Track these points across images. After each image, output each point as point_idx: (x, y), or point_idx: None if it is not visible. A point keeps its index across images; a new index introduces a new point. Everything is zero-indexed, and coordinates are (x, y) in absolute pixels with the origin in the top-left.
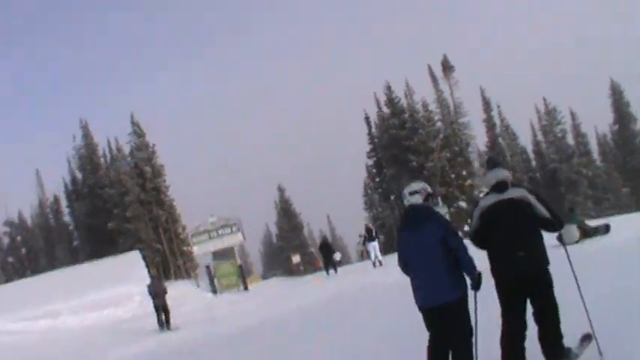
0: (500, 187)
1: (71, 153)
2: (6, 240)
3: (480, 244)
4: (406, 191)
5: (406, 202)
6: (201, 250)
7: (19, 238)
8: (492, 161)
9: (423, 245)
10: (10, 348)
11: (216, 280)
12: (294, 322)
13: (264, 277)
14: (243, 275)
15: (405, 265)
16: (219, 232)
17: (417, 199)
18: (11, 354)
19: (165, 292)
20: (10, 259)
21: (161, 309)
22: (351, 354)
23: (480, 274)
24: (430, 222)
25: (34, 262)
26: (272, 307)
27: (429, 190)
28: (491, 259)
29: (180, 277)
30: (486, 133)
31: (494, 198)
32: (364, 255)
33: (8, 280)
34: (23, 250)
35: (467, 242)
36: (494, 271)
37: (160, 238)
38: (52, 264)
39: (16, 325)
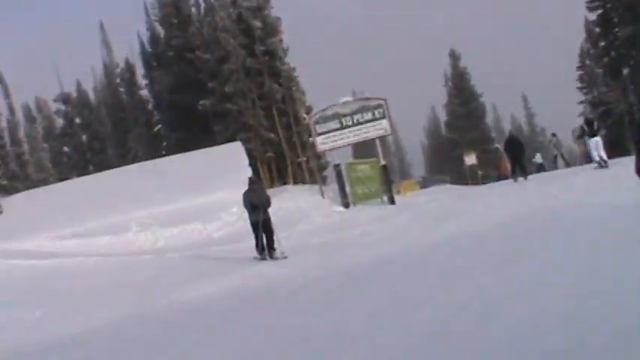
0: None
1: (150, 1)
2: (60, 122)
3: None
4: None
5: None
6: (327, 144)
7: (77, 119)
8: None
9: None
10: (50, 274)
11: (348, 187)
12: (442, 259)
13: (425, 183)
14: (388, 181)
15: None
16: (356, 117)
17: None
18: (49, 285)
19: (268, 203)
20: (66, 149)
21: (261, 228)
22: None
23: None
24: None
25: (98, 154)
26: (421, 233)
27: None
28: None
29: (300, 181)
30: None
31: None
32: (559, 159)
33: (62, 178)
34: (84, 137)
35: None
36: None
37: (273, 124)
38: (123, 157)
39: (64, 242)
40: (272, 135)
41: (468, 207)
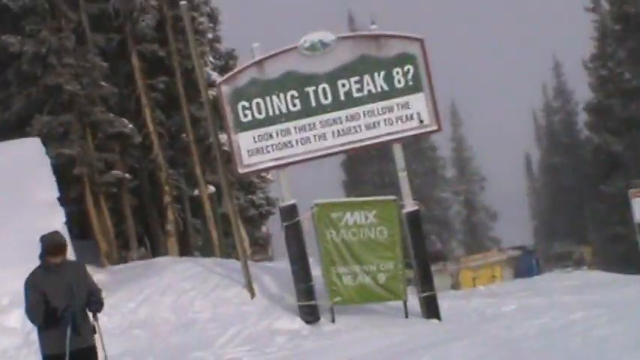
0: None
1: None
2: None
3: None
4: None
5: None
6: (267, 153)
7: None
8: None
9: None
10: None
11: (319, 267)
12: None
13: (526, 263)
14: (423, 255)
15: None
16: (344, 85)
17: None
18: None
19: (97, 305)
20: None
21: None
22: None
23: None
24: None
25: None
26: None
27: None
28: None
29: (196, 248)
30: None
31: None
32: None
33: None
34: None
35: None
36: None
37: (130, 97)
38: None
39: None
40: (126, 124)
41: None
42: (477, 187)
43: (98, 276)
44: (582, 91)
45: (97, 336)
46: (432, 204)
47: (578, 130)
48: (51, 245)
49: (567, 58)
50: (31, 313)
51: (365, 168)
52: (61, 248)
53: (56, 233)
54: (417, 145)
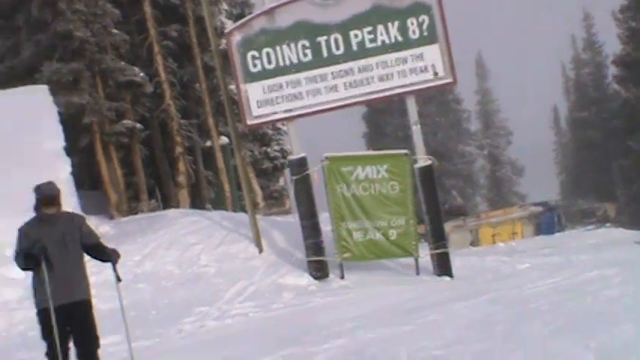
0: None
1: None
2: None
3: None
4: None
5: None
6: (277, 104)
7: None
8: None
9: None
10: None
11: (330, 223)
12: None
13: (548, 219)
14: (436, 210)
15: None
16: (357, 36)
17: None
18: None
19: (96, 248)
20: None
21: (63, 325)
22: None
23: None
24: None
25: None
26: None
27: None
28: None
29: (209, 200)
30: None
31: None
32: None
33: None
34: None
35: None
36: None
37: (139, 45)
38: None
39: None
40: (138, 73)
41: None
42: (502, 141)
43: (104, 227)
44: (612, 44)
45: (116, 286)
46: (456, 158)
47: (607, 83)
48: (44, 196)
49: (598, 9)
50: (19, 259)
51: (387, 120)
52: (54, 198)
53: (50, 183)
54: (441, 98)
